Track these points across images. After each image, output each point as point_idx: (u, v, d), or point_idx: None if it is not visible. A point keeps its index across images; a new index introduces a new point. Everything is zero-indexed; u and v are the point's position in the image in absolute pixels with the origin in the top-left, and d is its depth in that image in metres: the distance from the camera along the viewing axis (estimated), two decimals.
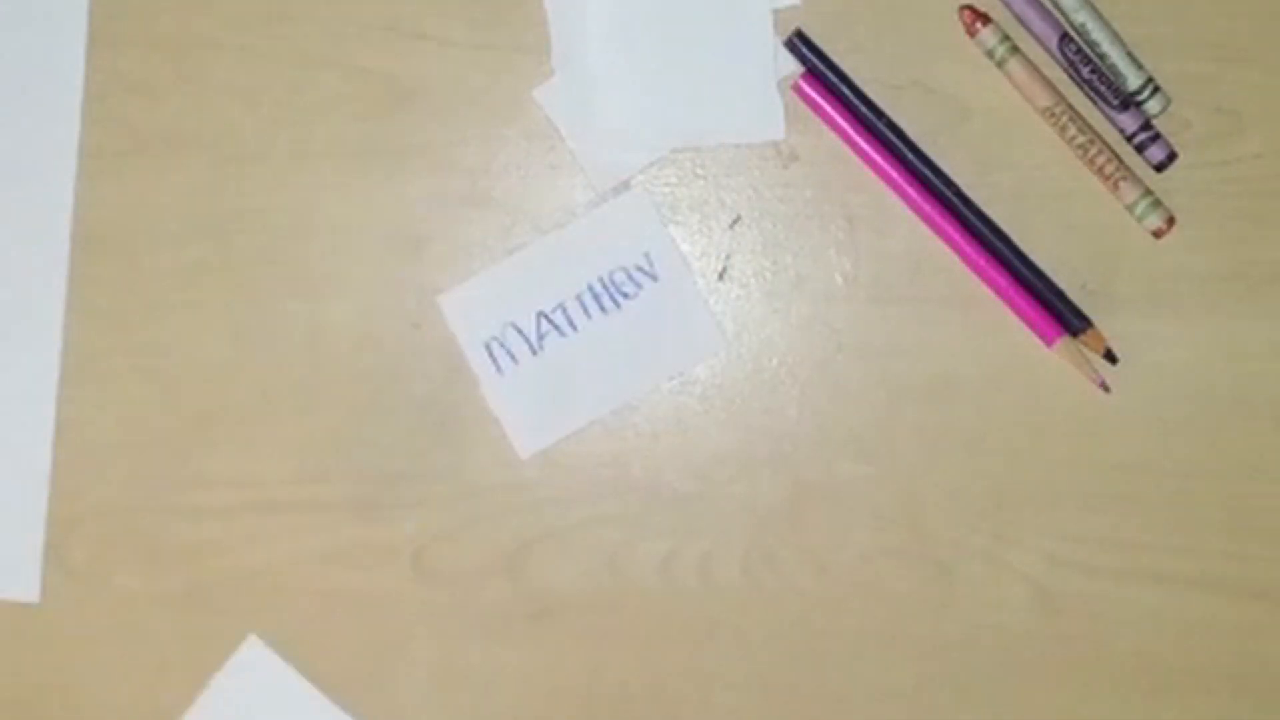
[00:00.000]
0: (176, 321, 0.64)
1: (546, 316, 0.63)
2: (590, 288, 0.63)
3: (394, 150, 0.64)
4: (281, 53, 0.63)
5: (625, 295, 0.63)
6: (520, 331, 0.63)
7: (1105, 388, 0.62)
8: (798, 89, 0.62)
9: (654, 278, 0.63)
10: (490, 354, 0.63)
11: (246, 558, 0.64)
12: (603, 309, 0.63)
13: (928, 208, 0.62)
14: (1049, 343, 0.62)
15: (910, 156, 0.62)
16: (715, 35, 0.62)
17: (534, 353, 0.63)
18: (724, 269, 0.64)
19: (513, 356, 0.63)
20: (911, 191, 0.62)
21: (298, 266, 0.64)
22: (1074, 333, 0.62)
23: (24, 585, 0.64)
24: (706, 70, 0.63)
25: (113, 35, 0.63)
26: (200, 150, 0.64)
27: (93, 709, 0.64)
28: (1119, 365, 0.62)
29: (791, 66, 0.63)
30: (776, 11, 0.62)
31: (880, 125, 0.62)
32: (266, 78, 0.63)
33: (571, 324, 0.63)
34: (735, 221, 0.63)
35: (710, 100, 0.63)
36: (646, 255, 0.63)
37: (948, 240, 0.62)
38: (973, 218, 0.62)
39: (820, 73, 0.62)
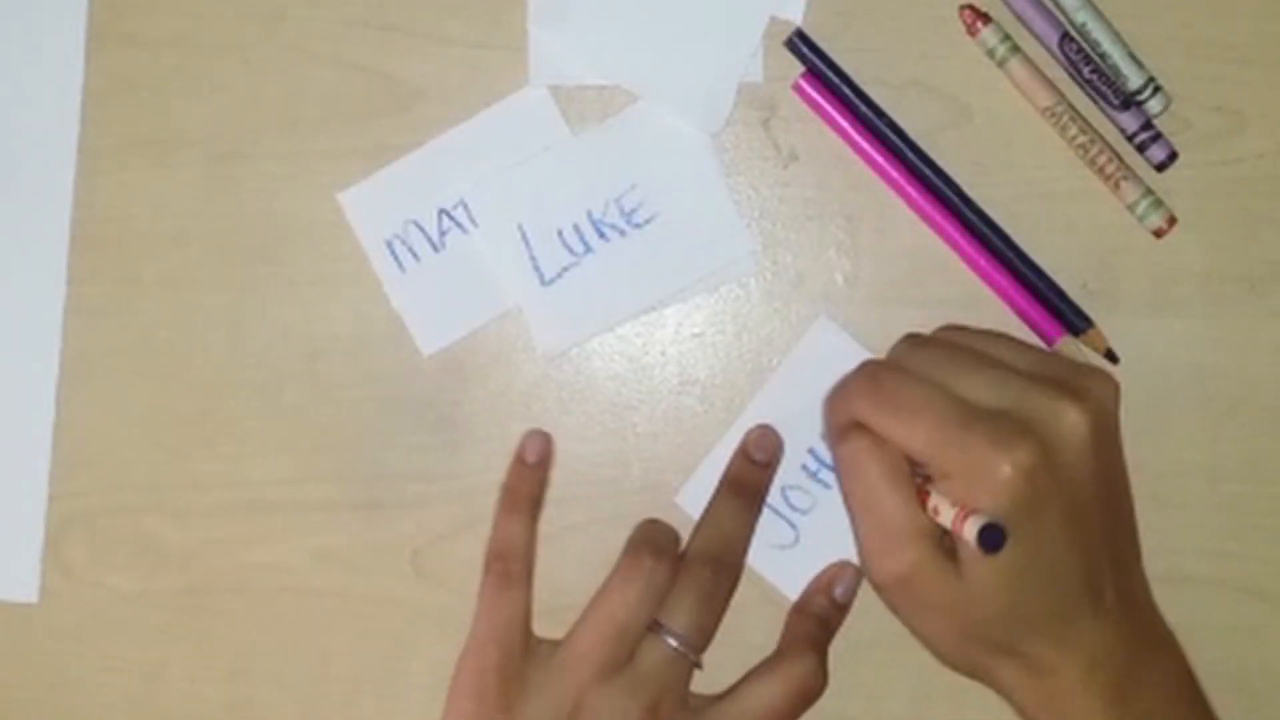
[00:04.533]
0: (175, 321, 0.64)
1: (448, 213, 0.63)
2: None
3: (393, 149, 0.63)
4: (280, 52, 0.63)
5: None
6: (422, 229, 0.63)
7: None
8: (798, 89, 0.62)
9: None
10: (392, 252, 0.63)
11: (246, 558, 0.64)
12: None
13: (928, 208, 0.62)
14: (1050, 342, 0.62)
15: (910, 156, 0.62)
16: (706, 15, 0.62)
17: (436, 250, 0.63)
18: None
19: (414, 254, 0.63)
20: (912, 191, 0.62)
21: (297, 266, 0.64)
22: (1076, 332, 0.62)
23: (22, 585, 0.64)
24: (683, 40, 0.62)
25: (112, 35, 0.63)
26: (199, 150, 0.63)
27: (92, 709, 0.64)
28: (1119, 365, 0.62)
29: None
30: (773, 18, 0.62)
31: (880, 125, 0.62)
32: (265, 78, 0.63)
33: (473, 220, 0.63)
34: None
35: (671, 66, 0.62)
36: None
37: (948, 240, 0.62)
38: (973, 217, 0.62)
39: (820, 72, 0.62)
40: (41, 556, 0.64)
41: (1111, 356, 0.62)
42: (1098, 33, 0.61)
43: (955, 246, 0.62)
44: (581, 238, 0.62)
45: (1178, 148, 0.62)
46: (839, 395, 0.56)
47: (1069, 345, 0.62)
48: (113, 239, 0.64)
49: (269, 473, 0.64)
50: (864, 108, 0.62)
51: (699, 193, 0.63)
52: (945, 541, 0.54)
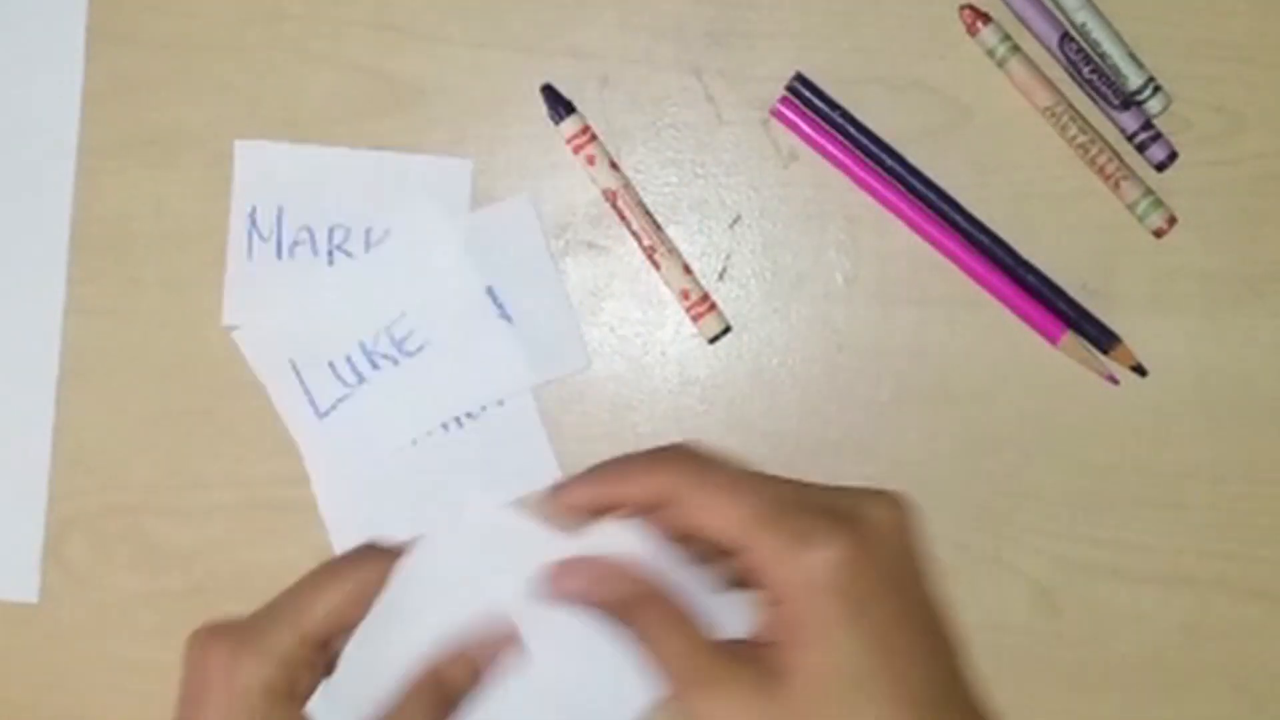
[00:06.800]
0: (175, 321, 0.64)
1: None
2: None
3: (393, 149, 0.63)
4: (281, 52, 0.63)
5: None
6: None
7: (1114, 380, 0.62)
8: (777, 114, 0.62)
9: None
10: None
11: (246, 558, 0.64)
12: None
13: (921, 221, 0.62)
14: (1054, 341, 0.62)
15: (902, 171, 0.62)
16: None
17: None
18: (724, 269, 0.63)
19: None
20: (904, 206, 0.62)
21: None
22: (1104, 350, 0.62)
23: (23, 585, 0.64)
24: None
25: (112, 35, 0.63)
26: (199, 150, 0.63)
27: (92, 709, 0.64)
28: (1119, 365, 0.62)
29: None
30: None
31: (875, 146, 0.62)
32: (266, 78, 0.63)
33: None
34: (735, 221, 0.63)
35: None
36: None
37: (945, 251, 0.62)
38: (971, 227, 0.62)
39: (821, 110, 0.62)
40: (41, 556, 0.64)
41: (1140, 370, 0.62)
42: (1098, 33, 0.61)
43: (952, 256, 0.62)
44: (354, 368, 0.62)
45: (1177, 147, 0.62)
46: (639, 468, 0.52)
47: (1073, 343, 0.62)
48: (113, 239, 0.64)
49: (269, 473, 0.64)
50: (853, 128, 0.62)
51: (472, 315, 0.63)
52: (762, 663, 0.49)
